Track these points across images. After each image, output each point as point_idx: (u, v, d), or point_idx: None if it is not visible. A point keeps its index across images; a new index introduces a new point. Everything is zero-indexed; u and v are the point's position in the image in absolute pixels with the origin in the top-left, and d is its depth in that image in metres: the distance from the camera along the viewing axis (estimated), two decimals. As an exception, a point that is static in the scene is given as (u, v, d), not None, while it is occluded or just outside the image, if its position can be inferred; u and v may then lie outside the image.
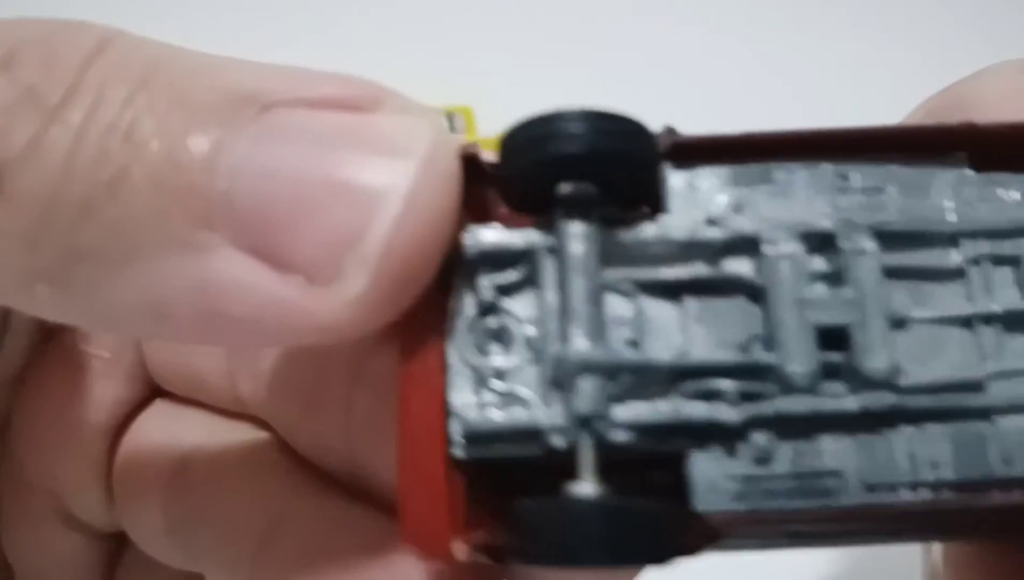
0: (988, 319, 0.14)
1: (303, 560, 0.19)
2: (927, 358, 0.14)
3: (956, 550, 0.18)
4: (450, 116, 0.90)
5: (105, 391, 0.25)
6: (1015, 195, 0.15)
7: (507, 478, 0.14)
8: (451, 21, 0.87)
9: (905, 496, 0.13)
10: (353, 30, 0.91)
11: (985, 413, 0.14)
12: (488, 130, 0.93)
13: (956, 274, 0.14)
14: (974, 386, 0.14)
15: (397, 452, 0.14)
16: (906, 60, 0.75)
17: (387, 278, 0.13)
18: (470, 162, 0.14)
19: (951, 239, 0.14)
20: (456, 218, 0.14)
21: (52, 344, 0.25)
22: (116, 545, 0.25)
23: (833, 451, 0.13)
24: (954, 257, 0.14)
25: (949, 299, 0.14)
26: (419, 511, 0.13)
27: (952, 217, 0.14)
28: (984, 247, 0.14)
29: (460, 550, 0.13)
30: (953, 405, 0.14)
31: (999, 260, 0.14)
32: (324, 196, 0.13)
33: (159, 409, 0.25)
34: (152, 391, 0.25)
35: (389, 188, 0.13)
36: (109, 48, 0.14)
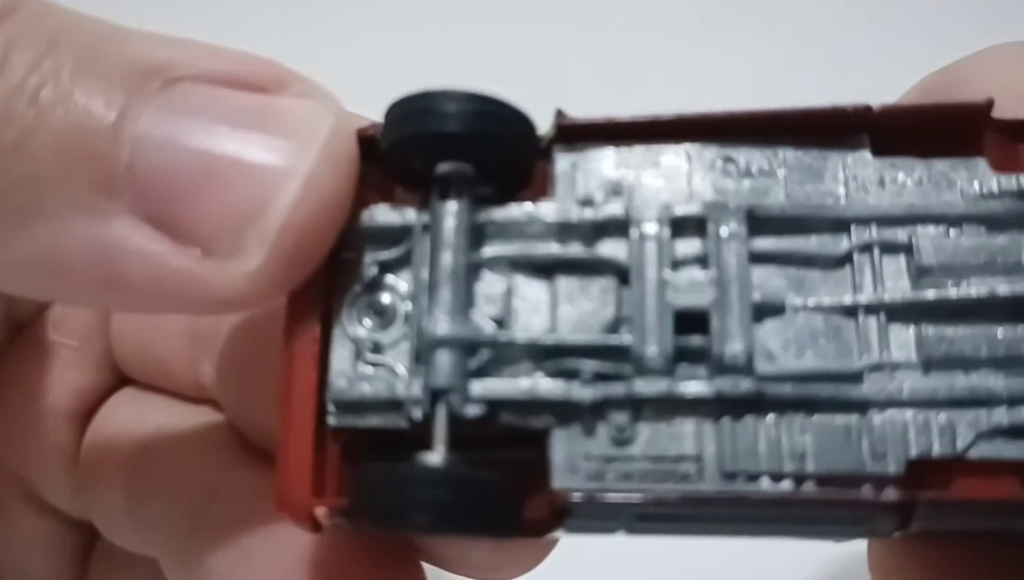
0: (873, 309, 0.13)
1: (230, 529, 0.19)
2: (803, 346, 0.13)
3: (878, 547, 0.18)
4: (450, 116, 0.90)
5: (73, 379, 0.24)
6: (914, 180, 0.14)
7: (388, 451, 0.14)
8: (451, 21, 0.87)
9: (765, 486, 0.13)
10: (353, 30, 0.91)
11: (860, 406, 0.13)
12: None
13: (843, 261, 0.14)
14: (851, 377, 0.13)
15: (276, 421, 0.14)
16: (905, 63, 0.75)
17: (284, 254, 0.13)
18: (370, 143, 0.14)
19: (840, 224, 0.14)
20: (353, 197, 0.14)
21: (22, 334, 0.25)
22: (88, 534, 0.26)
23: (691, 436, 0.13)
24: (843, 243, 0.14)
25: (833, 287, 0.14)
26: (287, 477, 0.14)
27: (843, 202, 0.14)
28: (875, 233, 0.14)
29: (323, 515, 0.13)
30: (824, 395, 0.13)
31: (890, 247, 0.14)
32: (226, 172, 0.13)
33: (126, 396, 0.25)
34: (119, 379, 0.25)
35: (290, 168, 0.13)
36: (18, 9, 0.14)
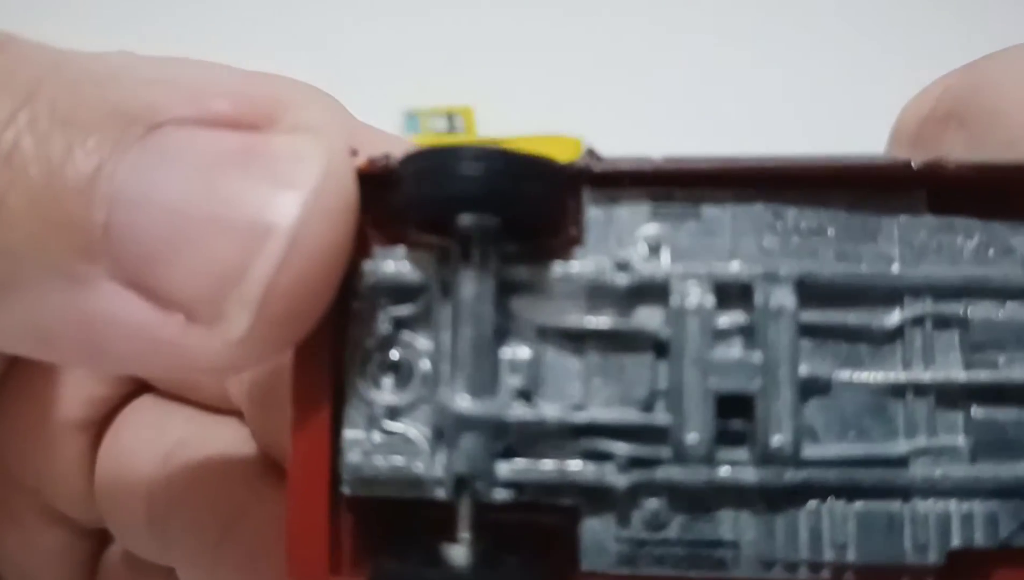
0: (922, 389, 0.13)
1: (258, 551, 0.18)
2: (847, 426, 0.13)
3: None
4: (450, 116, 0.90)
5: (86, 388, 0.23)
6: (973, 244, 0.13)
7: (404, 515, 0.14)
8: (451, 22, 0.88)
9: (803, 576, 0.12)
10: (354, 31, 0.92)
11: (904, 493, 0.13)
12: (488, 130, 0.93)
13: (894, 335, 0.13)
14: (896, 462, 0.13)
15: (286, 491, 0.13)
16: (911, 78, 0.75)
17: (272, 318, 0.12)
18: (377, 177, 0.13)
19: (893, 295, 0.13)
20: (352, 245, 0.13)
21: None
22: (98, 542, 0.25)
23: (730, 521, 0.13)
24: (894, 316, 0.13)
25: (881, 362, 0.13)
26: (301, 550, 0.13)
27: (897, 268, 0.13)
28: (930, 306, 0.13)
29: None
30: (869, 481, 0.13)
31: (943, 322, 0.13)
32: (204, 229, 0.12)
33: (145, 403, 0.24)
34: (136, 386, 0.25)
35: (273, 223, 0.12)
36: None
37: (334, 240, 0.13)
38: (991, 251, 0.13)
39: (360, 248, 0.13)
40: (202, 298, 0.12)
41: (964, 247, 0.13)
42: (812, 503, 0.12)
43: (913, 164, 0.13)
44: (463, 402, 0.13)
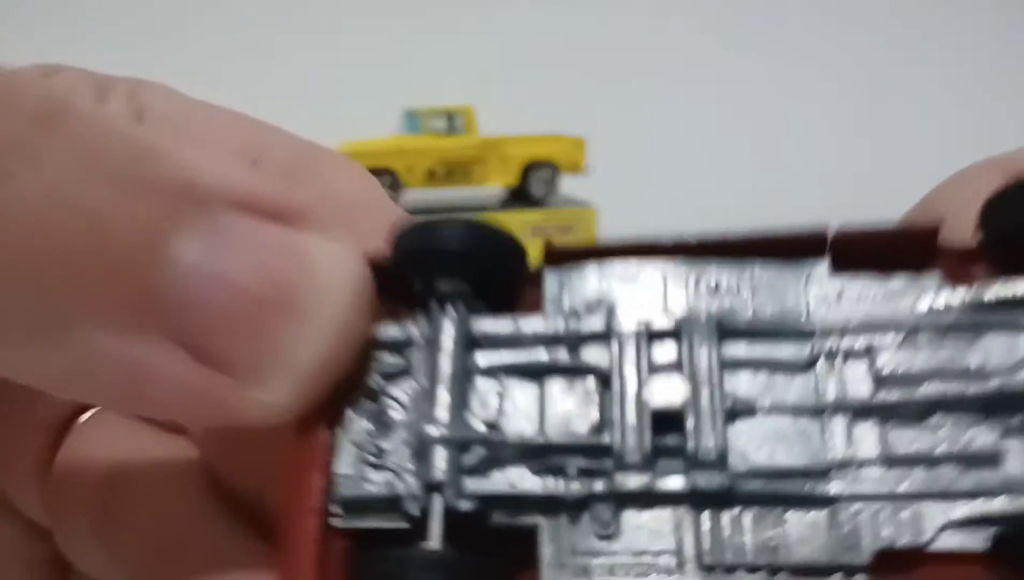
0: (837, 410, 0.15)
1: None
2: (772, 444, 0.14)
3: None
4: (450, 116, 0.91)
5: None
6: (871, 293, 0.15)
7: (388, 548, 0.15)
8: (452, 22, 0.88)
9: (742, 578, 0.14)
10: (354, 32, 0.92)
11: (828, 500, 0.14)
12: (488, 130, 0.94)
13: (809, 366, 0.15)
14: (818, 473, 0.14)
15: (277, 525, 0.15)
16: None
17: (305, 388, 0.15)
18: (376, 267, 0.15)
19: (804, 334, 0.15)
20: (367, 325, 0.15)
21: None
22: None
23: (671, 531, 0.14)
24: (806, 351, 0.15)
25: (799, 390, 0.15)
26: (295, 577, 0.14)
27: (806, 314, 0.15)
28: (837, 342, 0.15)
29: None
30: (793, 491, 0.14)
31: (852, 355, 0.15)
32: (258, 310, 0.14)
33: (104, 414, 0.25)
34: None
35: (319, 316, 0.15)
36: (60, 121, 0.14)
37: (358, 324, 0.15)
38: (889, 298, 0.15)
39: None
40: (250, 366, 0.14)
41: (864, 296, 0.15)
42: (744, 512, 0.14)
43: (807, 233, 0.15)
44: (436, 427, 0.15)
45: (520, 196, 0.93)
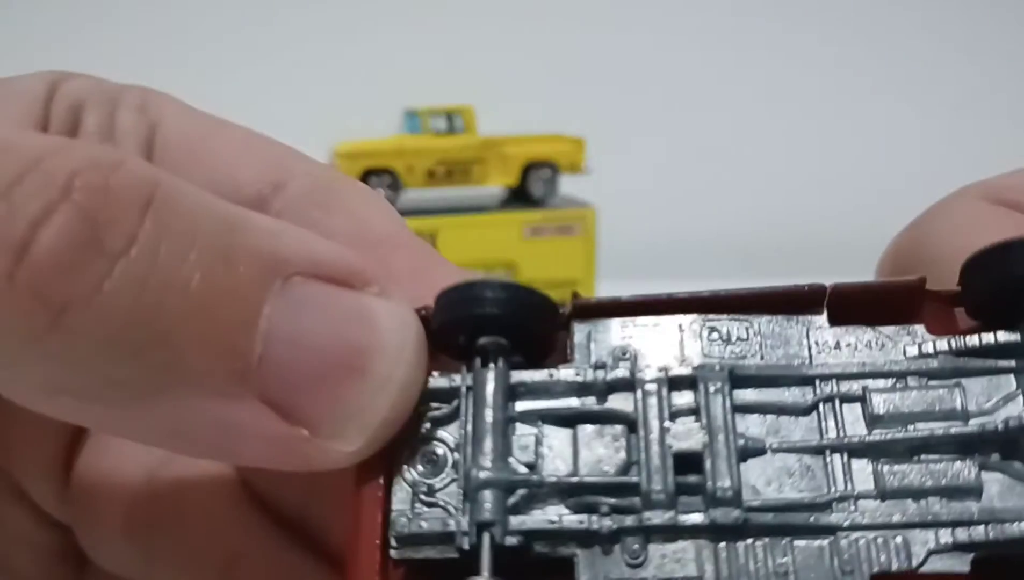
0: (836, 449, 0.16)
1: None
2: (781, 480, 0.16)
3: None
4: (450, 116, 0.91)
5: None
6: (865, 343, 0.17)
7: (440, 576, 0.17)
8: (452, 23, 0.89)
9: None
10: (355, 32, 0.92)
11: (830, 530, 0.16)
12: (488, 130, 0.94)
13: (810, 410, 0.17)
14: (821, 506, 0.16)
15: (345, 553, 0.17)
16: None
17: (375, 439, 0.17)
18: (427, 321, 0.17)
19: (806, 380, 0.17)
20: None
21: None
22: (72, 537, 0.26)
23: (693, 559, 0.16)
24: (809, 395, 0.17)
25: (803, 431, 0.17)
26: None
27: (807, 363, 0.17)
28: (835, 387, 0.17)
29: None
30: (800, 522, 0.16)
31: (848, 398, 0.17)
32: (338, 373, 0.16)
33: None
34: None
35: (389, 376, 0.16)
36: (157, 197, 0.15)
37: (419, 379, 0.17)
38: (880, 347, 0.17)
39: None
40: (330, 422, 0.16)
41: (858, 345, 0.17)
42: (757, 541, 0.16)
43: (806, 289, 0.17)
44: (483, 471, 0.16)
45: (520, 196, 0.94)
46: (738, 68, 0.91)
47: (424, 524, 0.17)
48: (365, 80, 0.90)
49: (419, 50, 0.90)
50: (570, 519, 0.16)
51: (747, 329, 0.17)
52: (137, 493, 0.24)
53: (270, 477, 0.23)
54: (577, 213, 0.93)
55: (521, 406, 0.17)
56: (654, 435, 0.17)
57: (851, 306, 0.17)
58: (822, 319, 0.17)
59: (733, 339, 0.17)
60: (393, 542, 0.17)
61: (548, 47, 0.93)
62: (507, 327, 0.17)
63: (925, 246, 0.22)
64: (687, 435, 0.16)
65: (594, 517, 0.16)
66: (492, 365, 0.17)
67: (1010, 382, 0.17)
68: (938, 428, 0.16)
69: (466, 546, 0.16)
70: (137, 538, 0.23)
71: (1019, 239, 0.16)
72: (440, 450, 0.17)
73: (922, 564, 0.16)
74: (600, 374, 0.17)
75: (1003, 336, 0.17)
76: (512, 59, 0.90)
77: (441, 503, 0.17)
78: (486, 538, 0.16)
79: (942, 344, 0.17)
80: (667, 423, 0.17)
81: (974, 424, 0.16)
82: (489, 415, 0.17)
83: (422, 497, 0.17)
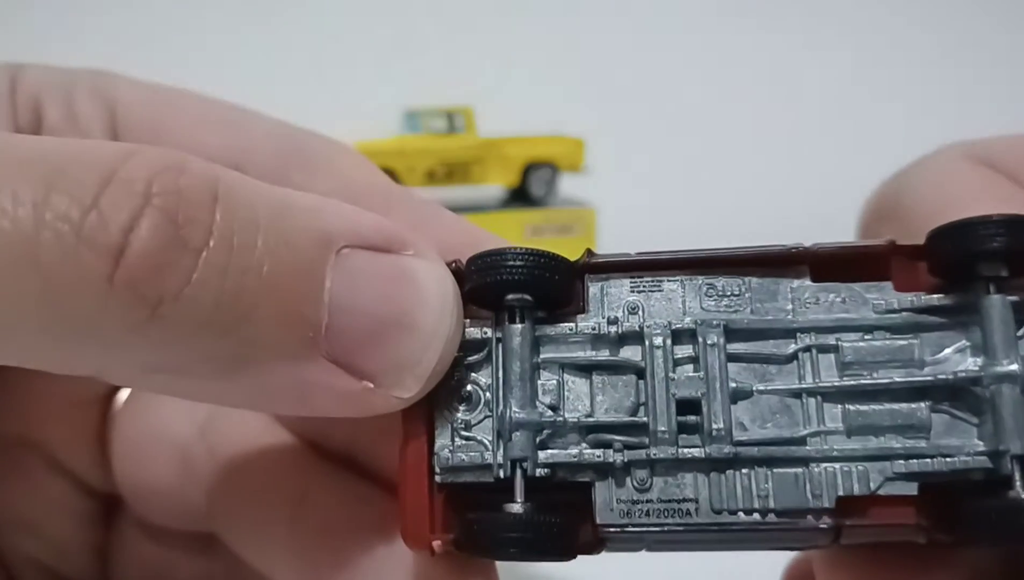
0: (812, 393, 0.20)
1: (332, 526, 0.24)
2: (764, 419, 0.20)
3: (821, 552, 0.23)
4: (450, 116, 0.92)
5: None
6: (840, 299, 0.20)
7: (476, 494, 0.20)
8: (452, 23, 0.89)
9: (742, 517, 0.19)
10: (354, 31, 0.93)
11: (804, 461, 0.19)
12: (488, 130, 0.95)
13: (791, 359, 0.20)
14: (797, 441, 0.19)
15: (398, 480, 0.20)
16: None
17: (429, 383, 0.19)
18: (455, 275, 0.20)
19: (789, 333, 0.20)
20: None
21: None
22: (108, 505, 0.28)
23: (691, 485, 0.19)
24: (791, 346, 0.20)
25: (784, 377, 0.20)
26: (412, 520, 0.20)
27: (790, 317, 0.20)
28: (813, 339, 0.20)
29: (437, 546, 0.20)
30: (779, 455, 0.19)
31: (823, 349, 0.20)
32: (392, 331, 0.19)
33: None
34: None
35: (436, 329, 0.19)
36: (221, 192, 0.18)
37: (459, 329, 0.20)
38: (853, 302, 0.20)
39: None
40: (389, 374, 0.19)
41: (835, 300, 0.20)
42: (743, 470, 0.19)
43: (794, 249, 0.20)
44: (515, 412, 0.20)
45: (520, 196, 0.95)
46: (739, 69, 0.92)
47: (463, 456, 0.20)
48: (365, 80, 0.91)
49: (419, 50, 0.91)
50: (589, 453, 0.20)
51: (740, 286, 0.20)
52: (190, 446, 0.26)
53: (317, 423, 0.25)
54: (577, 213, 0.93)
55: (544, 355, 0.20)
56: (660, 382, 0.20)
57: (830, 265, 0.20)
58: (805, 277, 0.20)
59: (728, 295, 0.20)
60: (437, 470, 0.20)
61: (548, 47, 0.93)
62: (531, 287, 0.20)
63: (902, 198, 0.24)
64: (688, 383, 0.20)
65: (609, 451, 0.20)
66: (518, 320, 0.20)
67: (960, 337, 0.19)
68: (898, 375, 0.19)
69: (502, 475, 0.20)
70: (194, 489, 0.26)
71: (978, 219, 0.19)
72: (474, 391, 0.20)
73: (879, 488, 0.19)
74: (613, 329, 0.20)
75: (956, 298, 0.19)
76: (512, 59, 0.91)
77: (477, 438, 0.20)
78: (519, 471, 0.20)
79: (905, 301, 0.20)
80: (671, 373, 0.20)
81: (928, 373, 0.19)
82: (517, 365, 0.20)
83: (461, 432, 0.20)
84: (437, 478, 0.20)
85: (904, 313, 0.20)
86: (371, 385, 0.18)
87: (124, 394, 0.28)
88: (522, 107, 0.92)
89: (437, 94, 0.92)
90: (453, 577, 0.21)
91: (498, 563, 0.22)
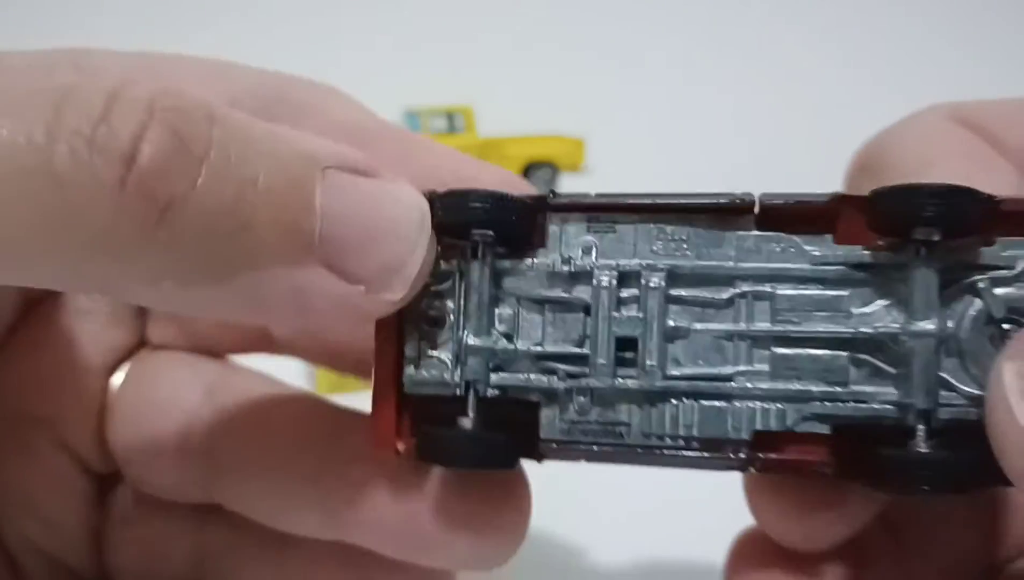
0: (743, 336, 0.22)
1: (361, 481, 0.25)
2: (699, 357, 0.22)
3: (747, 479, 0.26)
4: (450, 116, 0.93)
5: (102, 336, 0.29)
6: (780, 249, 0.22)
7: (438, 406, 0.23)
8: (452, 23, 0.90)
9: (668, 442, 0.22)
10: (355, 32, 0.94)
11: (728, 396, 0.22)
12: (488, 130, 0.95)
13: (729, 303, 0.22)
14: (724, 378, 0.22)
15: (372, 388, 0.23)
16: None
17: (412, 287, 0.21)
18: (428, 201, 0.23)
19: (730, 279, 0.22)
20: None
21: (45, 302, 0.28)
22: (105, 483, 0.29)
23: (625, 411, 0.22)
24: (729, 292, 0.22)
25: (720, 320, 0.22)
26: (380, 424, 0.23)
27: (731, 264, 0.22)
28: (750, 286, 0.22)
29: (402, 448, 0.23)
30: (706, 390, 0.22)
31: (759, 296, 0.22)
32: (379, 238, 0.21)
33: (160, 354, 0.29)
34: (140, 340, 0.30)
35: (418, 236, 0.21)
36: (216, 113, 0.20)
37: (433, 242, 0.22)
38: (792, 253, 0.22)
39: None
40: (378, 277, 0.21)
41: (775, 250, 0.22)
42: (672, 401, 0.22)
43: (739, 199, 0.22)
44: (471, 339, 0.22)
45: (520, 196, 0.95)
46: (740, 69, 0.93)
47: (425, 373, 0.23)
48: (365, 80, 0.92)
49: (419, 50, 0.92)
50: (536, 378, 0.23)
51: (688, 233, 0.22)
52: (196, 413, 0.28)
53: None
54: (577, 214, 0.95)
55: (505, 286, 0.23)
56: (603, 320, 0.22)
57: (777, 216, 0.22)
58: (751, 227, 0.22)
59: (676, 240, 0.22)
60: (404, 382, 0.23)
61: (548, 47, 0.94)
62: (494, 225, 0.22)
63: (885, 153, 0.26)
64: (628, 323, 0.22)
65: (554, 378, 0.22)
66: (480, 254, 0.22)
67: (887, 295, 0.21)
68: (824, 326, 0.21)
69: (458, 393, 0.23)
70: (197, 454, 0.27)
71: (919, 186, 0.20)
72: (439, 316, 0.23)
73: (794, 426, 0.21)
74: (566, 267, 0.22)
75: (890, 257, 0.21)
76: (512, 59, 0.92)
77: (440, 357, 0.23)
78: (471, 392, 0.22)
79: (840, 255, 0.21)
80: (615, 312, 0.22)
81: (852, 325, 0.21)
82: (476, 297, 0.22)
83: (427, 351, 0.23)
84: (406, 389, 0.23)
85: (838, 266, 0.21)
86: (363, 288, 0.20)
87: (126, 368, 0.29)
88: (522, 107, 0.93)
89: (437, 94, 0.93)
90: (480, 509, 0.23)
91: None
